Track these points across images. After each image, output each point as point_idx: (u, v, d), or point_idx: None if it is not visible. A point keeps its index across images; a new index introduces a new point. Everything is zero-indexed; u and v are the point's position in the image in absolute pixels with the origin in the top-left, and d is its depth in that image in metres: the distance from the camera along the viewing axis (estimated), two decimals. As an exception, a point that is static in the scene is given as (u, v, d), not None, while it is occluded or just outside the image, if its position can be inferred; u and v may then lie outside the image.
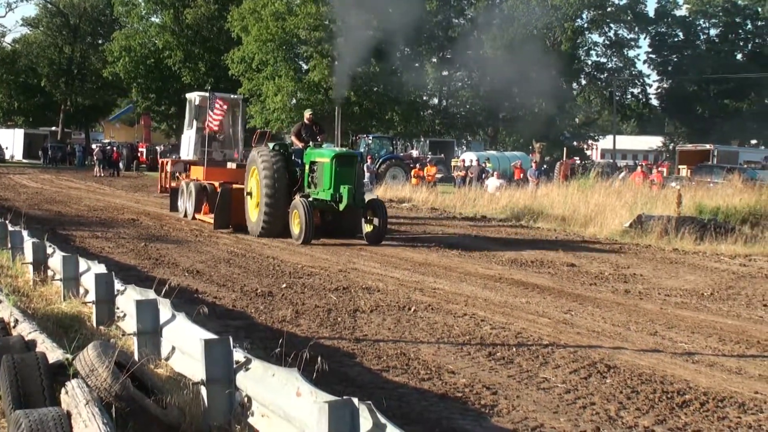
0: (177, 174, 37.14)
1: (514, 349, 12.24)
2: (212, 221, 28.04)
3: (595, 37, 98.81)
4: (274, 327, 12.98)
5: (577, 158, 78.58)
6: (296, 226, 24.08)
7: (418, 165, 56.53)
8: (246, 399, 7.85)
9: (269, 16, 70.76)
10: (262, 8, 71.59)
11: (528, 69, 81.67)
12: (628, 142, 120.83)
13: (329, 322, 13.71)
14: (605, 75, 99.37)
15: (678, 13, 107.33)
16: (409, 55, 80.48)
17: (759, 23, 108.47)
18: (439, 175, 56.56)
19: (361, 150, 49.02)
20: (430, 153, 75.37)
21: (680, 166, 75.79)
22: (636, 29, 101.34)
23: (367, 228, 25.05)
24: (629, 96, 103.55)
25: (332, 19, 70.78)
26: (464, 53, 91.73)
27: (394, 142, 65.80)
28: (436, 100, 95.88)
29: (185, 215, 31.52)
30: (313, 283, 17.44)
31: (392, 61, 77.14)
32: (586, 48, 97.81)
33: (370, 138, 61.14)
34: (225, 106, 33.84)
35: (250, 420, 7.79)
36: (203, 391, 8.08)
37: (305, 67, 73.41)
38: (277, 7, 71.72)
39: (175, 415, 7.94)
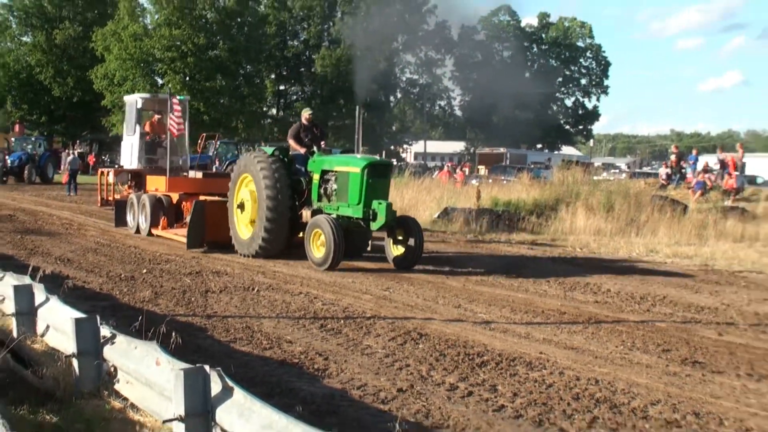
0: (121, 185, 29.24)
1: (342, 321, 12.37)
2: (175, 236, 21.90)
3: (409, 57, 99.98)
4: (135, 306, 12.82)
5: (394, 160, 79.21)
6: (318, 249, 17.37)
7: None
8: (112, 368, 7.86)
9: (129, 38, 70.12)
10: (122, 30, 70.79)
11: (351, 84, 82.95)
12: (436, 146, 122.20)
13: (184, 302, 13.63)
14: (417, 89, 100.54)
15: (477, 37, 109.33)
16: (251, 71, 79.98)
17: (543, 47, 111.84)
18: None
19: (210, 154, 45.08)
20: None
21: (479, 167, 77.80)
22: (443, 51, 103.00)
23: (396, 250, 18.09)
24: (437, 107, 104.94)
25: (183, 41, 70.65)
26: (298, 70, 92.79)
27: (238, 146, 65.22)
28: (274, 111, 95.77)
29: (137, 231, 24.00)
30: (169, 268, 17.28)
31: (236, 77, 77.16)
32: (401, 66, 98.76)
33: (218, 143, 60.74)
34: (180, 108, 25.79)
35: (117, 387, 7.81)
36: (74, 362, 8.07)
37: (161, 81, 72.48)
38: (135, 29, 70.96)
39: (50, 384, 7.91)
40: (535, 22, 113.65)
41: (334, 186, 18.18)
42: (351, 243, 18.45)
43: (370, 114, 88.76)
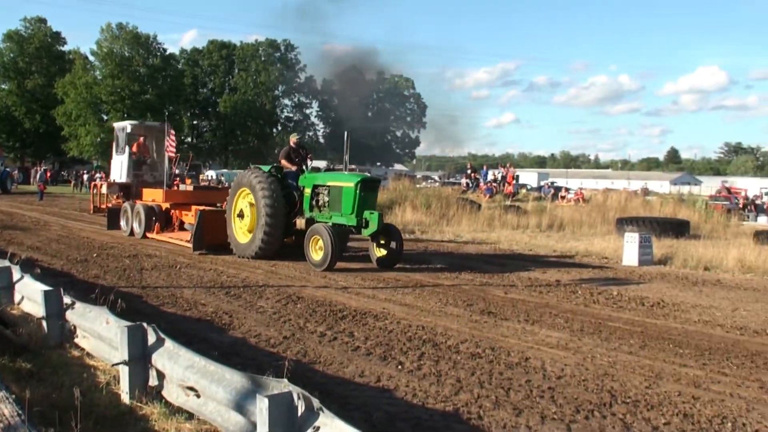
0: (111, 195, 25.49)
1: (242, 289, 12.18)
2: (175, 240, 19.20)
3: (286, 101, 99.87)
4: (89, 281, 12.34)
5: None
6: (316, 252, 15.17)
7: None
8: (73, 327, 7.62)
9: (82, 86, 67.99)
10: (77, 80, 68.64)
11: (245, 120, 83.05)
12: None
13: (125, 277, 13.15)
14: (292, 124, 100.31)
15: (334, 87, 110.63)
16: (173, 110, 78.22)
17: (381, 95, 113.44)
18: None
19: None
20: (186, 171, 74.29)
21: None
22: (310, 97, 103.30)
23: (379, 252, 16.02)
24: (307, 137, 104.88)
25: (122, 88, 69.18)
26: (207, 110, 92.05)
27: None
28: (190, 139, 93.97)
29: (131, 234, 21.12)
30: (113, 252, 16.64)
31: (163, 115, 75.77)
32: (281, 108, 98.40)
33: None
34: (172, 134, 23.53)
35: (76, 341, 7.58)
36: (44, 323, 7.85)
37: (106, 117, 70.32)
38: (87, 80, 68.96)
39: (25, 340, 7.64)
40: (375, 77, 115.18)
41: (327, 198, 16.06)
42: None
43: (258, 142, 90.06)
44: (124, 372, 6.10)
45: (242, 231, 16.90)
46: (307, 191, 16.45)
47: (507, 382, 7.00)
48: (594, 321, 10.33)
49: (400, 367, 7.50)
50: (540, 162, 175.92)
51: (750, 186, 74.75)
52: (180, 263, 15.35)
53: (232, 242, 16.97)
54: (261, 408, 4.33)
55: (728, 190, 58.55)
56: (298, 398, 4.35)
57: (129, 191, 24.39)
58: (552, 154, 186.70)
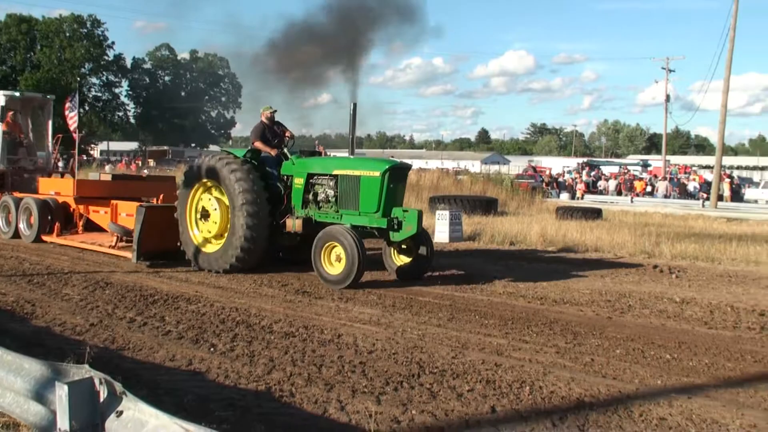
0: None
1: (46, 276, 11.65)
2: (80, 244, 14.94)
3: (94, 79, 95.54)
4: None
5: (85, 155, 75.19)
6: (332, 264, 11.51)
7: None
8: None
9: None
10: None
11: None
12: (117, 145, 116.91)
13: None
14: (101, 104, 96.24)
15: (145, 66, 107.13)
16: None
17: (194, 74, 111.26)
18: None
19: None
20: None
21: (149, 160, 76.93)
22: (119, 75, 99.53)
23: (400, 260, 12.58)
24: (116, 117, 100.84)
25: None
26: (7, 88, 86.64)
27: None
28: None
29: (16, 236, 16.66)
30: None
31: None
32: (88, 87, 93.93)
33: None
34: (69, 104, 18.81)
35: None
36: None
37: None
38: None
39: None
40: (188, 56, 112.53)
41: (332, 192, 12.43)
42: (302, 254, 12.81)
43: (64, 122, 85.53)
44: None
45: (206, 236, 12.95)
46: (298, 182, 12.76)
47: (319, 359, 7.12)
48: (406, 297, 10.67)
49: (212, 349, 7.45)
50: (358, 142, 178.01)
51: (554, 165, 79.46)
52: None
53: (190, 251, 12.97)
54: (60, 395, 4.20)
55: (534, 168, 61.90)
56: (100, 383, 4.25)
57: (5, 181, 19.21)
58: (368, 135, 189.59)
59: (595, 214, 25.38)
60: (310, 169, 12.72)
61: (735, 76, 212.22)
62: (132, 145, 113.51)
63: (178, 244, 13.21)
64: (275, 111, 13.62)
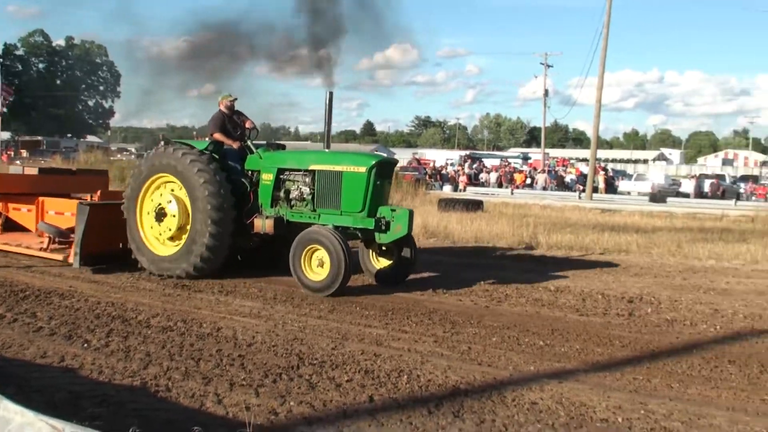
0: None
1: None
2: (3, 246, 13.05)
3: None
4: None
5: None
6: (314, 270, 10.49)
7: None
8: None
9: None
10: None
11: None
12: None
13: None
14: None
15: (18, 53, 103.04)
16: None
17: (70, 61, 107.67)
18: None
19: None
20: None
21: (22, 150, 74.71)
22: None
23: (380, 263, 11.72)
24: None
25: None
26: None
27: None
28: None
29: None
30: None
31: None
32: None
33: None
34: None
35: None
36: None
37: None
38: None
39: None
40: (63, 42, 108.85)
41: (308, 189, 11.32)
42: (259, 257, 12.54)
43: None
44: None
45: (160, 238, 11.70)
46: (267, 178, 11.65)
47: (198, 353, 7.06)
48: (287, 289, 10.66)
49: (86, 345, 7.27)
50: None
51: (437, 157, 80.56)
52: None
53: (142, 254, 11.73)
54: None
55: (418, 161, 62.56)
56: (-37, 382, 4.09)
57: None
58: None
59: (476, 206, 25.93)
60: (281, 163, 11.64)
61: (610, 72, 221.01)
62: (4, 135, 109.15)
63: (120, 245, 12.04)
64: (235, 99, 12.44)
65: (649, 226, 23.06)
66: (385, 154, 12.46)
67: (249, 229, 11.49)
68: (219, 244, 11.11)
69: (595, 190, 43.25)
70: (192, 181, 11.17)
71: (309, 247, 10.48)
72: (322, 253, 10.35)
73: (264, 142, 12.45)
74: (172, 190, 11.64)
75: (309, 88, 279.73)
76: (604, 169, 57.37)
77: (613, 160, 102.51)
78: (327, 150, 12.01)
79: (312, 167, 11.26)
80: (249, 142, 12.09)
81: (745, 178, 63.32)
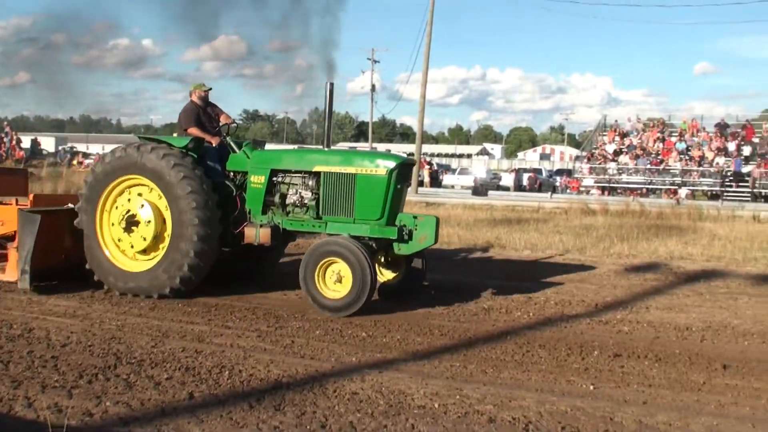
0: None
1: None
2: None
3: None
4: None
5: None
6: (332, 286, 9.15)
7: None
8: None
9: None
10: None
11: None
12: None
13: None
14: None
15: None
16: None
17: None
18: None
19: None
20: None
21: None
22: None
23: (385, 275, 10.47)
24: None
25: None
26: None
27: None
28: None
29: None
30: None
31: None
32: None
33: None
34: None
35: None
36: None
37: None
38: None
39: None
40: None
41: (309, 193, 9.90)
42: (232, 269, 11.23)
43: None
44: None
45: (130, 250, 9.94)
46: (257, 180, 10.09)
47: (7, 356, 6.74)
48: (105, 287, 10.32)
49: None
50: (58, 125, 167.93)
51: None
52: None
53: (103, 271, 9.94)
54: None
55: (246, 154, 61.97)
56: None
57: None
58: (71, 117, 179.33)
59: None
60: (275, 164, 10.14)
61: (437, 68, 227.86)
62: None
63: (63, 256, 10.38)
64: (209, 89, 11.06)
65: (471, 218, 23.94)
66: (404, 154, 11.09)
67: (239, 240, 10.05)
68: (204, 262, 9.73)
69: (421, 183, 44.43)
70: (173, 187, 9.56)
71: (325, 261, 9.22)
72: (339, 267, 9.12)
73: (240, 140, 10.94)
74: (140, 194, 9.96)
75: (132, 79, 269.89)
76: (429, 164, 59.07)
77: (439, 155, 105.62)
78: (332, 149, 10.59)
79: (317, 168, 9.84)
80: (228, 139, 10.69)
81: (560, 172, 66.87)
